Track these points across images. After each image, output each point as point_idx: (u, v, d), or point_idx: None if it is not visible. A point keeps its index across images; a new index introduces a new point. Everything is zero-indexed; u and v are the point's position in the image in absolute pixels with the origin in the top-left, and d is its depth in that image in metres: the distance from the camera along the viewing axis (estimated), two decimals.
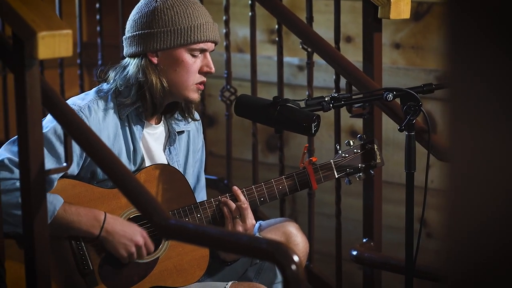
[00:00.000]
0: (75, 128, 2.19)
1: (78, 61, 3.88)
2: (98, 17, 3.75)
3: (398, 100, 2.57)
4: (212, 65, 2.63)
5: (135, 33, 2.61)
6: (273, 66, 3.96)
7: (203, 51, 2.61)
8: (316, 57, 3.17)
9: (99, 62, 3.77)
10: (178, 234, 2.05)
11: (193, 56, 2.60)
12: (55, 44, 2.07)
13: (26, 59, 2.08)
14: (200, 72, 2.62)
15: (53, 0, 3.85)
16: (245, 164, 4.02)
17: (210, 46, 2.63)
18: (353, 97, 2.64)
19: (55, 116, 2.22)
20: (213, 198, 2.65)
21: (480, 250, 0.95)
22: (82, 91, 3.75)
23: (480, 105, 0.94)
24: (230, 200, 2.63)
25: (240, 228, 2.61)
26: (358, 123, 3.82)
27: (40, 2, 2.16)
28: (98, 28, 3.75)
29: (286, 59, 3.97)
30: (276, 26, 3.30)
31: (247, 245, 1.96)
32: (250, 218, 2.62)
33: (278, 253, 1.89)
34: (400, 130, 2.53)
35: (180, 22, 2.57)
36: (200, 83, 2.63)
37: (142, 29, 2.59)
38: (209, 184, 3.50)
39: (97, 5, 3.75)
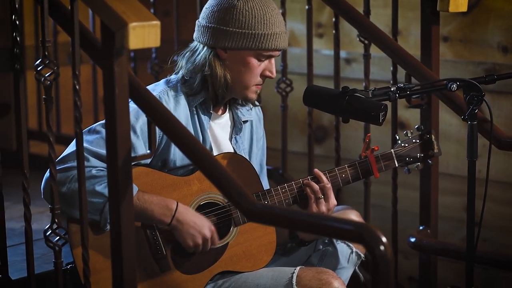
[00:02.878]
0: (160, 116, 2.26)
1: (154, 55, 3.93)
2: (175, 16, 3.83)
3: (457, 92, 2.64)
4: (274, 71, 2.72)
5: (210, 25, 2.68)
6: (319, 60, 4.03)
7: (269, 57, 2.70)
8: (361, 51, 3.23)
9: (153, 55, 3.85)
10: (265, 218, 2.12)
11: (259, 60, 2.68)
12: (144, 34, 2.14)
13: (115, 49, 2.16)
14: (262, 75, 2.71)
15: None
16: (296, 156, 4.09)
17: (277, 53, 2.71)
18: (417, 87, 2.71)
19: (140, 105, 2.30)
20: (286, 183, 2.72)
21: None
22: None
23: None
24: (313, 182, 2.71)
25: (323, 208, 2.70)
26: (404, 115, 3.89)
27: None
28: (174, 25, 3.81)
29: (332, 52, 4.04)
30: (333, 19, 3.36)
31: (335, 227, 2.03)
32: (332, 198, 2.72)
33: (367, 234, 1.96)
34: (464, 119, 2.60)
35: (256, 27, 2.64)
36: (259, 84, 2.71)
37: (218, 24, 2.66)
38: None
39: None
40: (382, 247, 1.95)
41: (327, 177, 2.74)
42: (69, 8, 2.29)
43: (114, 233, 2.23)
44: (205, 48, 2.69)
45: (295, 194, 2.72)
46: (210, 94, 2.69)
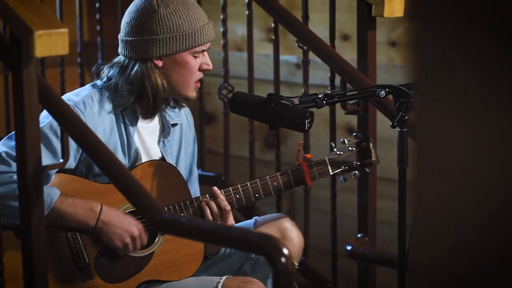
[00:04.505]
0: (71, 124, 2.24)
1: (79, 60, 3.94)
2: (98, 16, 3.81)
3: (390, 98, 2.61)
4: (210, 62, 2.73)
5: (137, 38, 2.63)
6: (271, 64, 3.99)
7: (203, 51, 2.69)
8: (313, 55, 3.21)
9: (99, 61, 3.82)
10: (171, 227, 2.09)
11: (195, 57, 2.68)
12: (51, 42, 2.11)
13: (23, 57, 2.13)
14: (199, 70, 2.70)
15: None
16: (243, 161, 4.06)
17: (208, 45, 2.71)
18: (347, 94, 2.68)
19: (51, 112, 2.27)
20: (208, 193, 2.70)
21: (447, 240, 1.00)
22: None
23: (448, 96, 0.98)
24: (212, 202, 2.68)
25: None
26: (356, 120, 3.86)
27: (37, 2, 2.21)
28: (98, 27, 3.81)
29: (284, 57, 4.01)
30: (273, 25, 3.34)
31: (239, 239, 2.00)
32: (231, 219, 2.68)
33: (268, 246, 1.94)
34: (393, 126, 2.57)
35: (184, 27, 2.63)
36: (197, 81, 2.70)
37: (145, 35, 2.63)
38: (207, 181, 3.55)
39: (97, 5, 3.80)
40: (283, 259, 1.92)
41: (237, 193, 2.71)
42: None
43: (24, 242, 2.21)
44: (138, 62, 2.65)
45: (195, 210, 2.69)
46: (150, 104, 2.65)
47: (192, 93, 2.71)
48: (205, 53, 2.71)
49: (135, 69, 2.65)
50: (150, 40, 2.63)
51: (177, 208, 2.66)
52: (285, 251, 1.93)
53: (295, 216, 4.02)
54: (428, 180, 0.98)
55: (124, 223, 2.57)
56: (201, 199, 2.69)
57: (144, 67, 2.64)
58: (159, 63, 2.65)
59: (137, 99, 2.66)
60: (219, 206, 2.68)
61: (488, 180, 1.00)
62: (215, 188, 2.71)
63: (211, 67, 2.73)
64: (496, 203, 1.00)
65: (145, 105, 2.66)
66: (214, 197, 2.69)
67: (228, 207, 2.69)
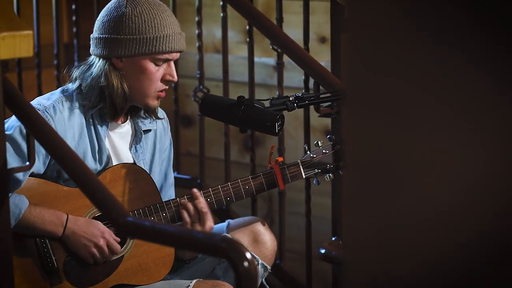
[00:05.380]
0: (37, 128, 2.21)
1: (55, 61, 3.92)
2: (74, 18, 3.79)
3: None
4: (175, 74, 2.66)
5: (102, 36, 2.64)
6: (247, 67, 3.99)
7: (167, 60, 2.64)
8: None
9: (76, 63, 3.80)
10: (135, 231, 2.07)
11: (157, 65, 2.63)
12: (15, 44, 2.10)
13: None
14: (163, 80, 2.65)
15: (31, 0, 3.88)
16: (222, 163, 4.04)
17: (175, 56, 2.65)
18: (319, 96, 2.67)
19: (18, 116, 2.25)
20: (179, 197, 2.68)
21: (382, 249, 0.98)
22: None
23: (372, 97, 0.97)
24: (190, 203, 2.66)
25: (198, 229, 2.64)
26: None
27: (2, 4, 2.19)
28: (74, 29, 3.79)
29: (262, 59, 4.00)
30: (247, 27, 3.33)
31: (202, 242, 1.99)
32: (209, 221, 2.66)
33: (231, 250, 1.92)
34: None
35: (147, 31, 2.60)
36: (162, 90, 2.66)
37: (109, 33, 2.62)
38: (182, 183, 3.54)
39: (73, 6, 3.79)
40: (246, 263, 1.90)
41: (210, 195, 2.69)
42: None
43: None
44: (100, 60, 2.64)
45: (173, 213, 2.67)
46: (108, 104, 2.64)
47: (153, 102, 2.66)
48: (171, 63, 2.65)
49: (96, 66, 2.63)
50: (113, 39, 2.61)
51: (146, 211, 2.64)
52: (248, 255, 1.91)
53: (274, 220, 4.00)
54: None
55: (88, 233, 2.55)
56: (178, 200, 2.67)
57: (103, 65, 2.62)
58: (119, 64, 2.62)
59: (99, 101, 2.64)
60: (196, 208, 2.66)
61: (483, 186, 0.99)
62: (195, 189, 2.69)
63: (175, 79, 2.66)
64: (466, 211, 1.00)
65: (108, 107, 2.64)
66: (192, 199, 2.67)
67: (205, 209, 2.66)
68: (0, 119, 2.16)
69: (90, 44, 2.71)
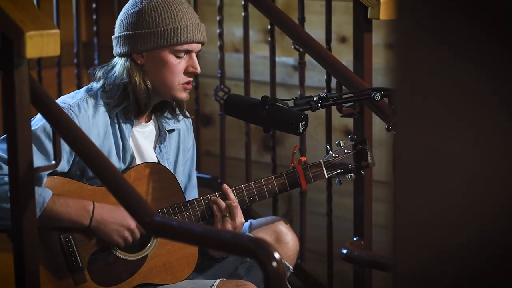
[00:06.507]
0: (63, 126, 2.22)
1: (75, 60, 3.92)
2: (94, 17, 3.80)
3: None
4: (197, 65, 2.66)
5: (121, 34, 2.65)
6: (268, 66, 3.98)
7: (188, 52, 2.64)
8: (310, 57, 3.20)
9: (96, 61, 3.81)
10: (162, 231, 2.07)
11: (178, 57, 2.63)
12: (43, 43, 2.10)
13: (14, 59, 2.11)
14: (186, 72, 2.65)
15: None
16: (241, 163, 4.04)
17: (195, 47, 2.65)
18: (342, 96, 2.66)
19: (43, 114, 2.26)
20: (203, 196, 2.68)
21: (428, 242, 0.98)
22: None
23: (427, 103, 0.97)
24: (220, 199, 2.66)
25: (229, 226, 2.65)
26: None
27: (29, 3, 2.19)
28: (94, 28, 3.80)
29: (282, 59, 4.00)
30: (269, 27, 3.32)
31: (230, 242, 1.99)
32: (240, 217, 2.66)
33: (260, 250, 1.92)
34: (388, 129, 2.55)
35: (164, 23, 2.60)
36: (187, 83, 2.66)
37: (127, 30, 2.63)
38: (202, 183, 3.53)
39: (94, 5, 3.79)
40: (274, 263, 1.90)
41: (234, 194, 2.69)
42: None
43: (16, 245, 2.20)
44: (122, 58, 2.65)
45: (203, 210, 2.67)
46: (132, 102, 2.65)
47: (181, 95, 2.66)
48: (193, 55, 2.66)
49: (118, 66, 2.64)
50: (132, 35, 2.62)
51: (170, 211, 2.64)
52: (276, 255, 1.91)
53: (293, 219, 4.00)
54: (409, 188, 0.97)
55: (118, 218, 2.56)
56: (209, 197, 2.67)
57: (124, 64, 2.63)
58: (141, 60, 2.63)
59: (123, 99, 2.64)
60: (226, 203, 2.66)
61: (483, 186, 0.99)
62: (225, 185, 2.70)
63: (198, 70, 2.66)
64: (486, 209, 0.99)
65: (132, 104, 2.64)
66: (222, 195, 2.68)
67: (235, 203, 2.67)
68: (26, 118, 2.17)
69: (109, 43, 2.72)
